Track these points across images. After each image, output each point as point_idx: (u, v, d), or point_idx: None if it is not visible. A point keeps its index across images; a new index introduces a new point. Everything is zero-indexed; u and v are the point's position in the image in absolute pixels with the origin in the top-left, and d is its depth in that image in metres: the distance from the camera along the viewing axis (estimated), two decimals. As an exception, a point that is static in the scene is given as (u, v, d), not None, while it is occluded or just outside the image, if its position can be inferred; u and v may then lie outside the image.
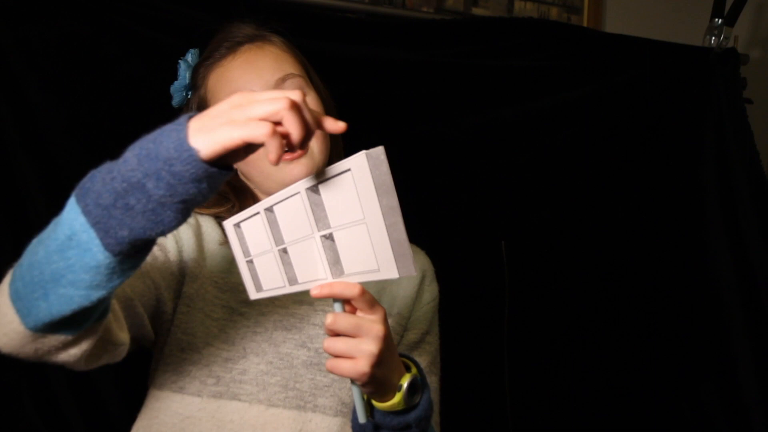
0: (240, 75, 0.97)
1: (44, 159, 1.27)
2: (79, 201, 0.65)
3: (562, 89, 1.69)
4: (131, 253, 0.66)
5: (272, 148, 0.61)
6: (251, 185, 1.03)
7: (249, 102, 0.63)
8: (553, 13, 1.99)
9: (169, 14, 1.34)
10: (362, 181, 0.61)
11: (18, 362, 1.24)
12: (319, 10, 1.54)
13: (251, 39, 1.00)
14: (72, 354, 0.74)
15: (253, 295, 0.77)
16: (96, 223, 0.64)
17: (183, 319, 0.96)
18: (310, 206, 0.67)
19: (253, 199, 1.02)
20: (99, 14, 1.30)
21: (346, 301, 0.72)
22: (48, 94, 1.27)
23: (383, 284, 1.04)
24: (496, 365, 1.62)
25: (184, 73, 1.04)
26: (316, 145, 0.96)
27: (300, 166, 0.94)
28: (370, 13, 1.66)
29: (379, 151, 0.61)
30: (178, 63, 1.04)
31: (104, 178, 0.64)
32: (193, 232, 0.98)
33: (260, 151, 0.92)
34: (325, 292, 0.69)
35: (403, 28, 1.60)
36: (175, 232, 0.94)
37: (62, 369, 1.23)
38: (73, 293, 0.66)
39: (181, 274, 0.96)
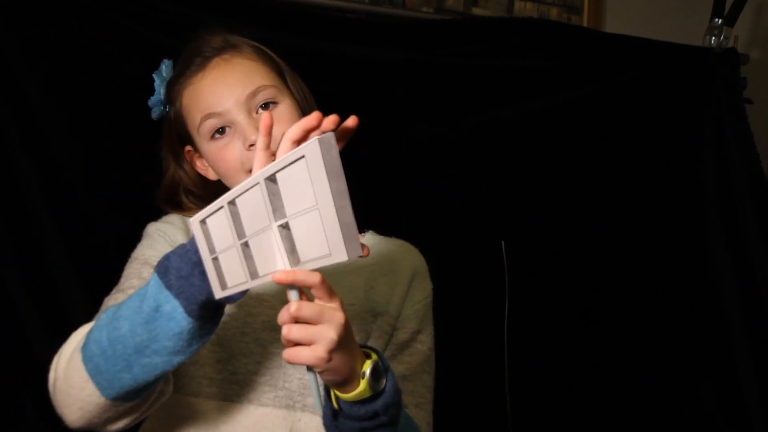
0: (211, 93, 0.96)
1: (44, 159, 1.27)
2: (161, 277, 0.74)
3: (562, 89, 1.69)
4: (208, 317, 0.76)
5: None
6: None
7: None
8: (553, 13, 1.99)
9: (169, 14, 1.34)
10: (315, 166, 0.63)
11: (18, 362, 1.25)
12: (319, 9, 1.54)
13: (219, 52, 0.98)
14: (135, 417, 0.84)
15: (218, 293, 0.76)
16: (179, 294, 0.73)
17: None
18: (269, 196, 0.68)
19: None
20: (99, 14, 1.30)
21: (300, 290, 0.73)
22: (48, 94, 1.27)
23: (372, 284, 1.04)
24: (496, 365, 1.62)
25: (159, 88, 1.04)
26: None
27: None
28: (370, 13, 1.66)
29: (330, 135, 0.63)
30: (152, 76, 1.04)
31: (180, 255, 0.74)
32: (184, 236, 0.98)
33: (238, 156, 0.92)
34: (289, 278, 0.69)
35: (403, 28, 1.60)
36: (170, 239, 0.98)
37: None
38: (157, 361, 0.76)
39: None
